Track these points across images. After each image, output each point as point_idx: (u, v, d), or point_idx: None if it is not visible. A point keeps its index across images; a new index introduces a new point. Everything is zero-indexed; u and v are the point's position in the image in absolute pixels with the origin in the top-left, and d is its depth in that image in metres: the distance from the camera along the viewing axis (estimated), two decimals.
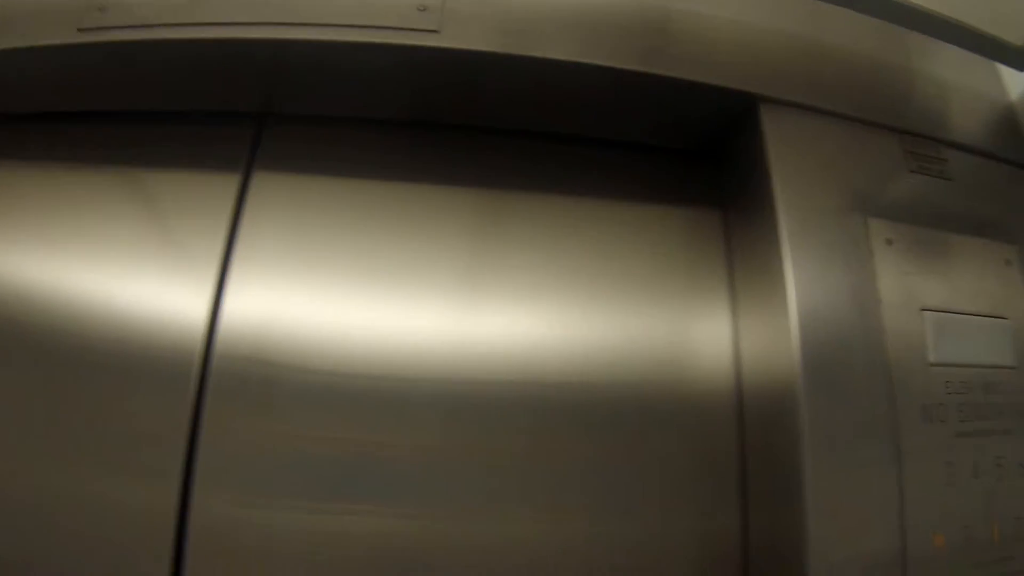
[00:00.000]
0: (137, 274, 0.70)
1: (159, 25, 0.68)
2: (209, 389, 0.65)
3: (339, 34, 0.66)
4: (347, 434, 0.66)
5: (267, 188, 0.73)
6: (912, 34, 0.80)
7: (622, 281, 0.73)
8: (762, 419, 0.66)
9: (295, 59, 0.69)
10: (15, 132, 0.75)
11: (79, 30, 0.68)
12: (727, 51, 0.69)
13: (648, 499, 0.67)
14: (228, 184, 0.72)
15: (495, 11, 0.66)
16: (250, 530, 0.63)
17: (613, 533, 0.66)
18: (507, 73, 0.68)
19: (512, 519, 0.65)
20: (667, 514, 0.67)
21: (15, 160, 0.75)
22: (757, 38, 0.70)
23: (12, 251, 0.71)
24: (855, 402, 0.61)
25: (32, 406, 0.66)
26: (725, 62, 0.68)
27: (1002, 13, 0.77)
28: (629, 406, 0.69)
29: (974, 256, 0.73)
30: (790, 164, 0.66)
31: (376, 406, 0.66)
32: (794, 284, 0.62)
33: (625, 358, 0.70)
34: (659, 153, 0.79)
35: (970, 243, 0.73)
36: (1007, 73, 0.85)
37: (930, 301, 0.68)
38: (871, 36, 0.79)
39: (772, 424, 0.64)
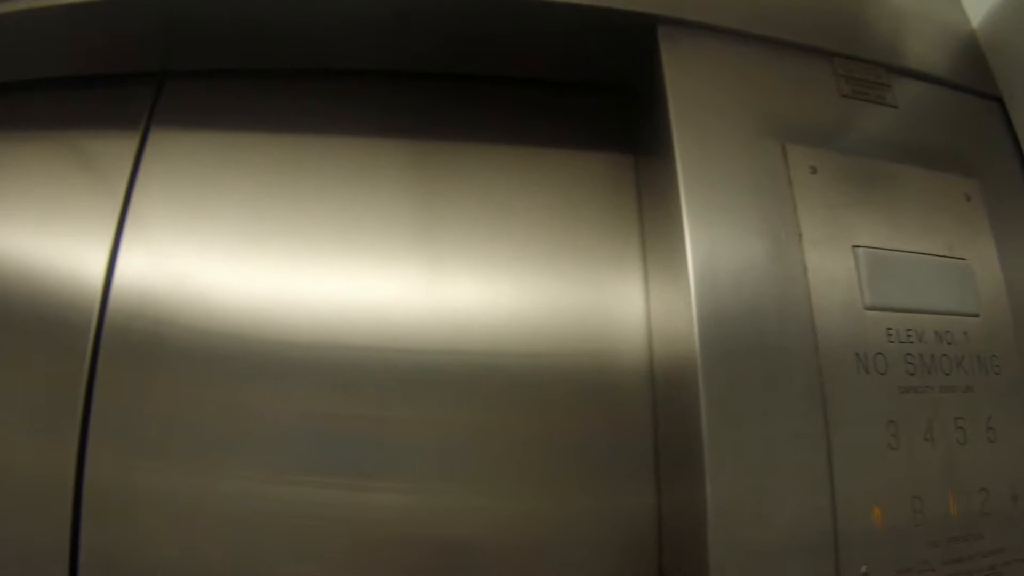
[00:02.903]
0: (37, 235, 0.66)
1: None
2: (103, 348, 0.62)
3: None
4: (242, 398, 0.61)
5: (166, 146, 0.69)
6: None
7: (532, 241, 0.65)
8: (671, 385, 0.58)
9: (184, 14, 0.65)
10: None
11: None
12: None
13: (565, 474, 0.60)
14: (127, 144, 0.69)
15: None
16: (142, 491, 0.59)
17: (531, 509, 0.59)
18: (382, 14, 0.63)
19: (421, 492, 0.59)
20: (583, 490, 0.60)
21: None
22: None
23: None
24: (768, 355, 0.53)
25: None
26: None
27: None
28: (546, 377, 0.62)
29: (925, 190, 0.64)
30: (690, 91, 0.58)
31: (271, 369, 0.61)
32: (689, 226, 0.54)
33: (539, 326, 0.63)
34: (576, 91, 0.72)
35: (920, 175, 0.64)
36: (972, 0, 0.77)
37: (864, 237, 0.59)
38: None
39: (678, 390, 0.56)
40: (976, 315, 0.61)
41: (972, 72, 0.73)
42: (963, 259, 0.62)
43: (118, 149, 0.69)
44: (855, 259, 0.58)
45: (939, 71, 0.71)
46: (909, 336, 0.58)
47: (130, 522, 0.58)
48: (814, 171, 0.59)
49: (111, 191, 0.67)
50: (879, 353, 0.56)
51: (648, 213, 0.65)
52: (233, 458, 0.59)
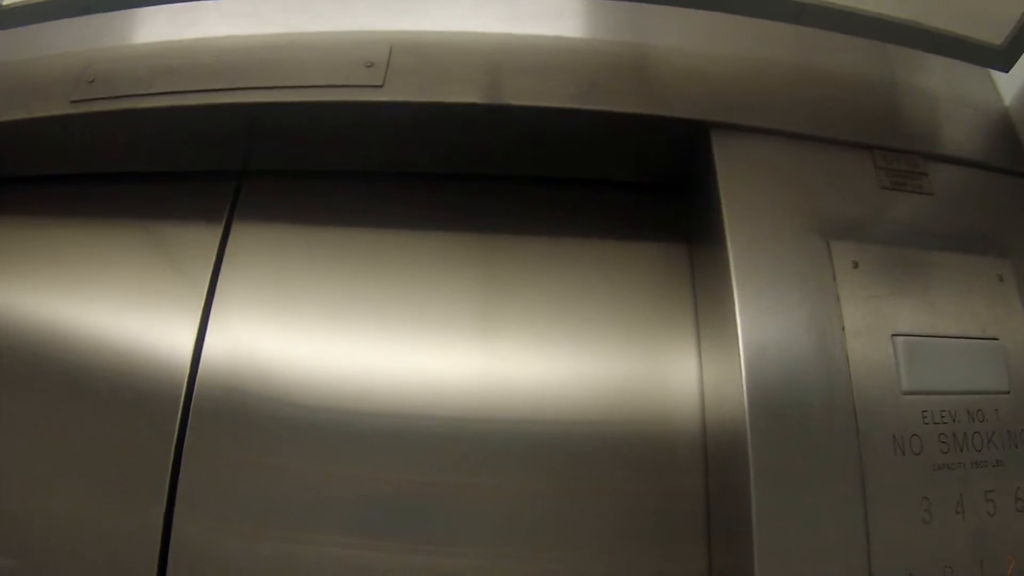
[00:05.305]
0: (129, 317, 0.75)
1: (143, 95, 0.73)
2: (191, 423, 0.70)
3: (297, 95, 0.69)
4: (322, 467, 0.68)
5: (246, 238, 0.77)
6: (894, 49, 0.77)
7: (593, 322, 0.73)
8: (721, 460, 0.64)
9: (261, 119, 0.73)
10: (20, 194, 0.83)
11: (72, 102, 0.74)
12: (676, 80, 0.68)
13: (618, 539, 0.66)
14: (211, 235, 0.77)
15: (438, 63, 0.68)
16: (227, 555, 0.66)
17: (581, 573, 0.65)
18: (454, 121, 0.70)
19: (491, 558, 0.66)
20: (638, 555, 0.66)
21: (19, 217, 0.82)
22: (705, 65, 0.69)
23: (23, 298, 0.78)
24: (812, 437, 0.59)
25: (35, 433, 0.72)
26: (673, 92, 0.67)
27: (979, 15, 0.73)
28: (599, 445, 0.68)
29: (960, 274, 0.69)
30: (742, 190, 0.64)
31: (350, 440, 0.68)
32: (741, 317, 0.60)
33: (598, 398, 0.70)
34: (632, 188, 0.79)
35: (955, 260, 0.69)
36: (1002, 79, 0.81)
37: (903, 325, 0.64)
38: (845, 54, 0.77)
39: (728, 465, 0.62)
40: (1007, 392, 0.66)
41: (1005, 151, 0.77)
42: (995, 339, 0.67)
43: (202, 241, 0.77)
44: (894, 347, 0.63)
45: (973, 153, 0.75)
46: (943, 417, 0.63)
47: None
48: (856, 265, 0.64)
49: (197, 279, 0.75)
50: (914, 435, 0.61)
51: (702, 299, 0.71)
52: (316, 526, 0.66)
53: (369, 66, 0.68)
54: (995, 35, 0.76)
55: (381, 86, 0.66)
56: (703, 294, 0.70)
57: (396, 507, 0.67)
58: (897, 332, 0.64)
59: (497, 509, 0.66)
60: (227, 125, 0.73)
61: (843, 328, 0.62)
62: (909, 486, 0.60)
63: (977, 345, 0.66)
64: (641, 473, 0.67)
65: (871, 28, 0.74)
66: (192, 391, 0.70)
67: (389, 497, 0.67)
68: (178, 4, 0.76)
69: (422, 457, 0.67)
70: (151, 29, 0.77)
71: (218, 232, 0.77)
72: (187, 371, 0.71)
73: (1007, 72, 0.79)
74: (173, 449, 0.69)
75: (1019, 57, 0.77)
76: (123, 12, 0.78)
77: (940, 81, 0.79)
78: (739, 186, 0.65)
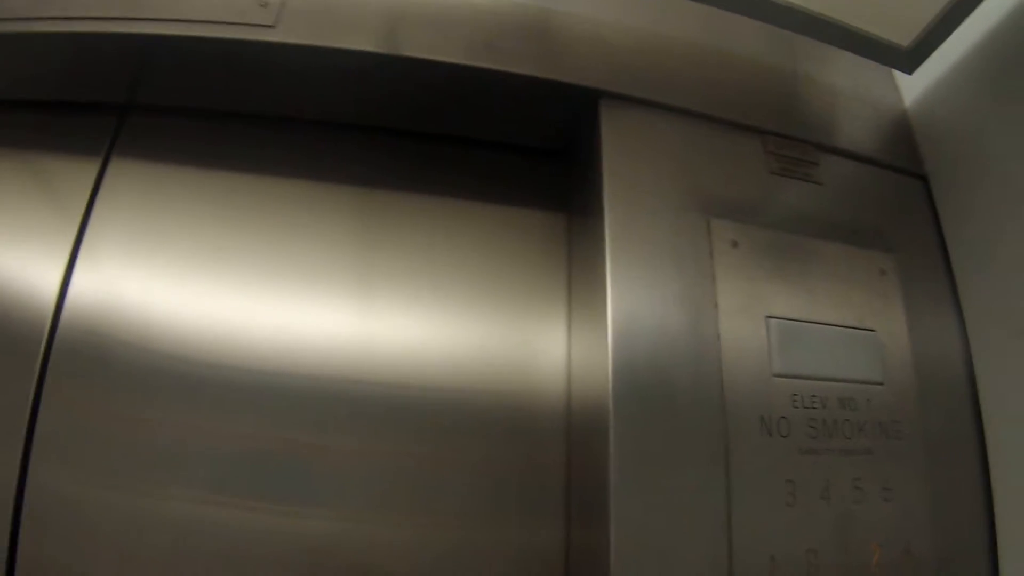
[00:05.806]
0: None
1: (29, 19, 0.69)
2: (52, 366, 0.65)
3: (186, 29, 0.66)
4: (183, 418, 0.64)
5: (124, 175, 0.73)
6: (800, 40, 0.77)
7: (466, 286, 0.71)
8: (584, 433, 0.63)
9: (149, 52, 0.69)
10: None
11: None
12: (573, 47, 0.67)
13: (477, 507, 0.64)
14: (88, 170, 0.73)
15: (334, 7, 0.66)
16: (82, 504, 0.62)
17: (449, 540, 0.63)
18: (344, 68, 0.67)
19: (344, 520, 0.63)
20: (499, 524, 0.64)
21: None
22: (607, 34, 0.68)
23: None
24: (678, 414, 0.58)
25: None
26: (568, 58, 0.66)
27: (889, 15, 0.74)
28: (463, 412, 0.67)
29: (842, 264, 0.69)
30: (625, 162, 0.63)
31: (212, 392, 0.65)
32: (611, 289, 0.59)
33: (465, 365, 0.68)
34: (519, 152, 0.77)
35: (838, 250, 0.69)
36: (905, 80, 0.82)
37: (778, 308, 0.64)
38: (752, 39, 0.77)
39: (590, 439, 0.60)
40: (880, 383, 0.66)
41: (900, 151, 0.78)
42: (872, 330, 0.68)
43: (78, 174, 0.72)
44: (767, 329, 0.62)
45: (868, 150, 0.76)
46: (814, 402, 0.63)
47: (69, 535, 0.61)
48: (735, 245, 0.64)
49: (69, 213, 0.70)
50: (783, 417, 0.61)
51: (576, 270, 0.70)
52: (170, 478, 0.62)
53: (263, 5, 0.65)
54: (902, 37, 0.77)
55: (273, 26, 0.64)
56: (577, 265, 0.69)
57: (254, 464, 0.63)
58: (772, 314, 0.63)
59: (358, 472, 0.63)
60: (114, 56, 0.69)
61: (716, 306, 0.61)
62: (774, 468, 0.60)
63: (853, 334, 0.66)
64: (504, 443, 0.65)
65: (779, 16, 0.74)
66: (55, 332, 0.66)
67: (248, 453, 0.64)
68: None
69: (284, 414, 0.64)
70: None
71: (96, 167, 0.72)
72: (51, 311, 0.66)
73: (910, 74, 0.80)
74: (32, 391, 0.64)
75: (924, 60, 0.79)
76: None
77: (843, 76, 0.79)
78: (623, 157, 0.64)
